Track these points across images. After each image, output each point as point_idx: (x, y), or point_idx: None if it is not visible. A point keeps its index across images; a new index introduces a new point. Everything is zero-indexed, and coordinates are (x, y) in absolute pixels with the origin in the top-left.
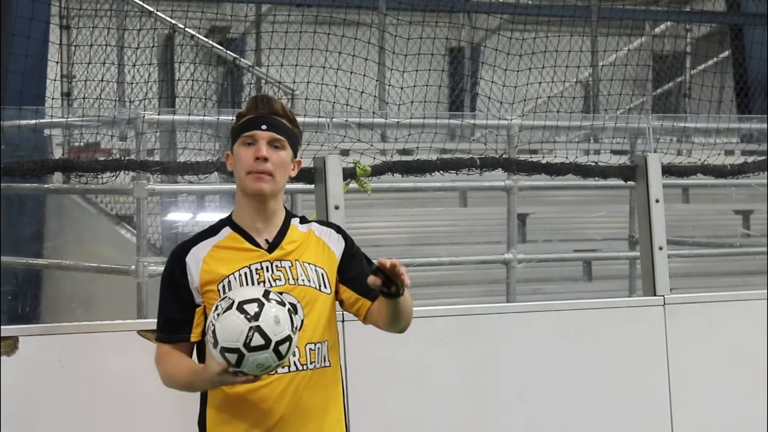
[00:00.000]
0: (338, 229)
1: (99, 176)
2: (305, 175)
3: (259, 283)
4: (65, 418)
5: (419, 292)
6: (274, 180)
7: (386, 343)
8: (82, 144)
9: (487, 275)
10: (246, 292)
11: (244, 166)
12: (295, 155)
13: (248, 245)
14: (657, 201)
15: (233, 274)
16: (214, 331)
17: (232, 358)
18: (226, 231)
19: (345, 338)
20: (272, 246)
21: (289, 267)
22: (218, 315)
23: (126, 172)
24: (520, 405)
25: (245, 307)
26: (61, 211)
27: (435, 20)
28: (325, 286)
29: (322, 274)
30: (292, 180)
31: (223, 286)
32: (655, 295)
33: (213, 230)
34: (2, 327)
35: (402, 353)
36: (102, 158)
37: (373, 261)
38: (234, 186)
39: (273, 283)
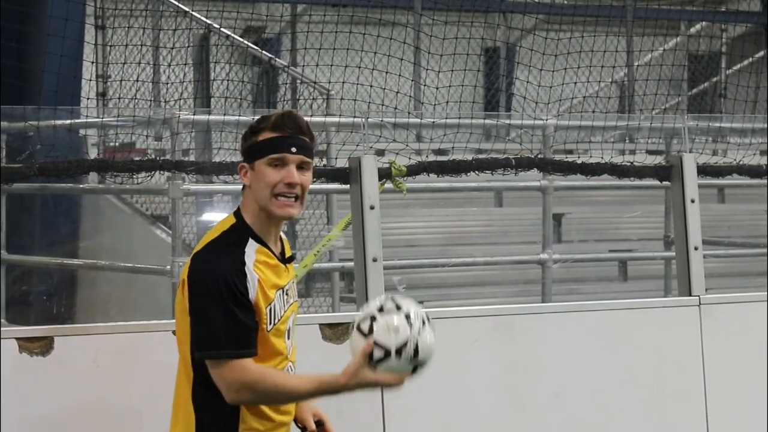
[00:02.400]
0: None
1: (134, 176)
2: (340, 175)
3: (286, 303)
4: (100, 418)
5: (454, 293)
6: (301, 203)
7: None
8: (117, 144)
9: (522, 275)
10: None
11: (273, 188)
12: None
13: (277, 262)
14: (692, 201)
15: (276, 295)
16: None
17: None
18: (253, 245)
19: None
20: (285, 261)
21: (294, 282)
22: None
23: (161, 172)
24: (556, 405)
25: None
26: (96, 211)
27: (470, 20)
28: None
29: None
30: (327, 180)
31: (270, 309)
32: (690, 295)
33: (239, 241)
34: (38, 327)
35: (437, 354)
36: (137, 158)
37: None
38: None
39: (290, 302)
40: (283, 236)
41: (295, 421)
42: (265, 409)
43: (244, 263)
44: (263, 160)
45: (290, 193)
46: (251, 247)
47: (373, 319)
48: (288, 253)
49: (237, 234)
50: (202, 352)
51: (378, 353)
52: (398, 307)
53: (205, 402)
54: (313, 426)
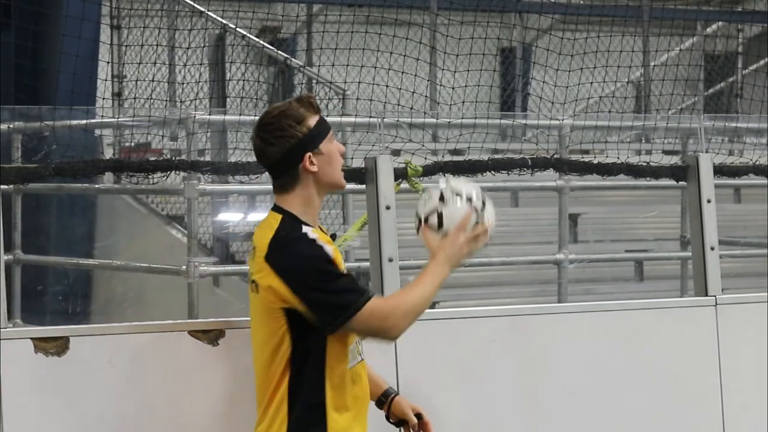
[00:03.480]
0: None
1: (150, 176)
2: (356, 175)
3: None
4: (116, 418)
5: (470, 293)
6: None
7: (437, 344)
8: (132, 144)
9: (538, 275)
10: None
11: (340, 162)
12: None
13: (329, 238)
14: (708, 201)
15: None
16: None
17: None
18: (308, 228)
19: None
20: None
21: None
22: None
23: (177, 172)
24: (572, 405)
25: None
26: (111, 211)
27: (486, 20)
28: None
29: None
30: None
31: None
32: (706, 295)
33: (298, 227)
34: (53, 327)
35: (453, 353)
36: (152, 158)
37: None
38: None
39: None
40: None
41: (387, 417)
42: (346, 393)
43: (314, 238)
44: (326, 140)
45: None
46: (308, 227)
47: (439, 212)
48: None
49: (291, 224)
50: (337, 319)
51: None
52: (458, 194)
53: (299, 395)
54: (414, 420)
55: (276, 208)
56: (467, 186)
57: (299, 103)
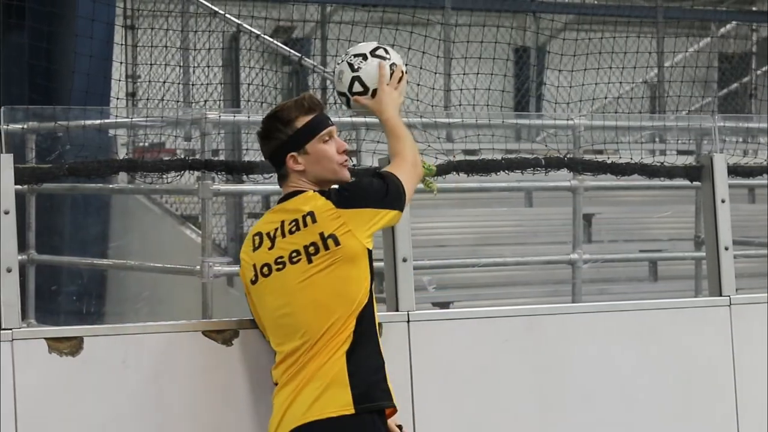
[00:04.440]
0: None
1: (164, 176)
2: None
3: None
4: (130, 418)
5: (484, 293)
6: None
7: (451, 344)
8: (146, 144)
9: (552, 275)
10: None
11: (337, 159)
12: None
13: None
14: (723, 201)
15: None
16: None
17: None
18: None
19: (410, 339)
20: None
21: None
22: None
23: (191, 172)
24: (586, 405)
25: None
26: (125, 211)
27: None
28: None
29: None
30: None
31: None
32: (721, 295)
33: None
34: (67, 327)
35: (467, 354)
36: (167, 158)
37: None
38: None
39: None
40: None
41: None
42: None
43: None
44: (314, 141)
45: (346, 159)
46: None
47: (358, 78)
48: None
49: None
50: (403, 196)
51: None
52: (360, 55)
53: (358, 360)
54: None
55: (294, 191)
56: (363, 46)
57: (294, 103)
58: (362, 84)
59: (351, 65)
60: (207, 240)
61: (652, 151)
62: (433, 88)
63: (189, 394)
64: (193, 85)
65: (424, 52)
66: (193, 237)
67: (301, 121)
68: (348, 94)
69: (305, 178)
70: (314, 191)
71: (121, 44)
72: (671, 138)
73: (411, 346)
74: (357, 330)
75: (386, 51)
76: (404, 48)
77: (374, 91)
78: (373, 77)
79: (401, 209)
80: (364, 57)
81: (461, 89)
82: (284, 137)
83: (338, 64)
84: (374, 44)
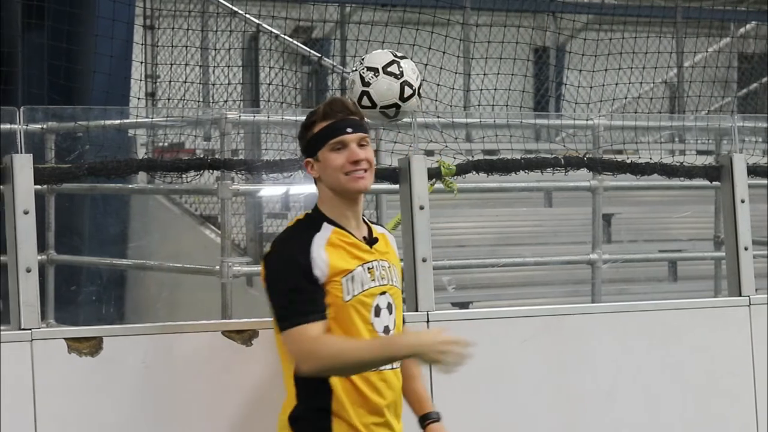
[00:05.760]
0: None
1: (183, 176)
2: (390, 175)
3: (372, 281)
4: (149, 418)
5: (504, 293)
6: (370, 175)
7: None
8: (166, 144)
9: (572, 276)
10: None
11: (342, 169)
12: None
13: (357, 241)
14: (742, 201)
15: (356, 269)
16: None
17: (392, 112)
18: (328, 227)
19: None
20: (370, 243)
21: (388, 267)
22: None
23: (210, 171)
24: (606, 406)
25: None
26: (145, 211)
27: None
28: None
29: (399, 279)
30: (377, 180)
31: (347, 280)
32: (740, 295)
33: (313, 226)
34: (87, 327)
35: (487, 354)
36: (186, 158)
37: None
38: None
39: (381, 282)
40: (374, 225)
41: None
42: (356, 383)
43: (310, 243)
44: (325, 149)
45: (359, 170)
46: (326, 230)
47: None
48: (375, 235)
49: (311, 220)
50: (280, 328)
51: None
52: (373, 69)
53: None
54: None
55: (315, 205)
56: (378, 56)
57: (322, 106)
58: (370, 100)
59: (362, 78)
60: (226, 240)
61: (671, 151)
62: (453, 88)
63: (209, 394)
64: (212, 84)
65: (444, 52)
66: (212, 237)
67: (318, 127)
68: (357, 105)
69: (323, 185)
70: (298, 219)
71: (141, 44)
72: (691, 138)
73: None
74: None
75: (399, 65)
76: (424, 48)
77: (381, 107)
78: (381, 95)
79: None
80: (376, 72)
81: (481, 89)
82: (304, 142)
83: (353, 71)
84: (389, 56)
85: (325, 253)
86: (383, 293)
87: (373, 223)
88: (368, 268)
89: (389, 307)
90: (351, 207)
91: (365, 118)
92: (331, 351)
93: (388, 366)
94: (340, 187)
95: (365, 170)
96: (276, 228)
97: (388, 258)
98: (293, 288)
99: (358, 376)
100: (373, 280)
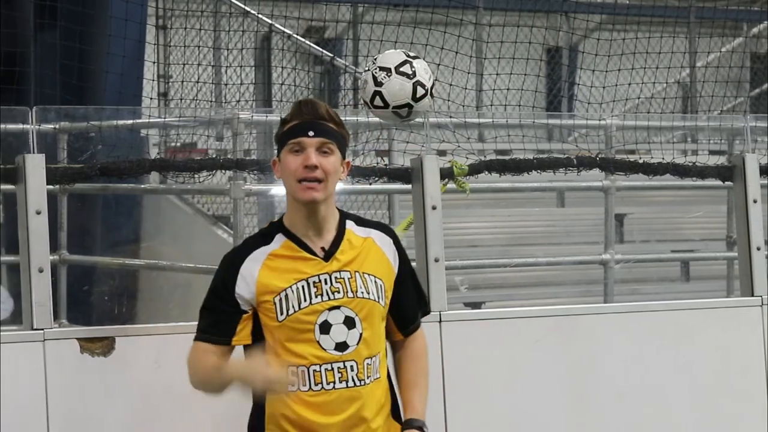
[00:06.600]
0: (395, 240)
1: (195, 176)
2: (402, 175)
3: (317, 296)
4: (162, 418)
5: (516, 293)
6: (325, 186)
7: (483, 344)
8: (178, 144)
9: (584, 276)
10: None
11: (294, 174)
12: (343, 157)
13: (305, 254)
14: (755, 201)
15: (291, 287)
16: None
17: (404, 112)
18: (280, 239)
19: (442, 338)
20: (328, 254)
21: (348, 279)
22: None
23: (222, 171)
24: (619, 406)
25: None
26: (157, 211)
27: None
28: (382, 299)
29: (381, 286)
30: (389, 180)
31: (280, 299)
32: (753, 295)
33: (265, 237)
34: (99, 327)
35: (499, 354)
36: (198, 158)
37: (423, 289)
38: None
39: (332, 296)
40: (360, 228)
41: None
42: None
43: (243, 259)
44: (285, 149)
45: (311, 177)
46: (276, 243)
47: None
48: (350, 242)
49: (270, 231)
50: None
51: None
52: (386, 69)
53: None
54: None
55: None
56: (391, 56)
57: (293, 105)
58: (383, 100)
59: (375, 78)
60: (239, 240)
61: (683, 151)
62: (465, 88)
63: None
64: (225, 84)
65: (456, 52)
66: (224, 237)
67: (288, 125)
68: (369, 104)
69: (286, 190)
70: (264, 227)
71: (154, 44)
72: (703, 138)
73: (443, 346)
74: None
75: (412, 65)
76: (436, 48)
77: (394, 107)
78: (394, 95)
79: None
80: (389, 72)
81: (493, 89)
82: (275, 138)
83: (365, 71)
84: (402, 56)
85: (257, 270)
86: (335, 308)
87: (366, 225)
88: (313, 283)
89: (349, 321)
90: (310, 216)
91: (342, 124)
92: (189, 370)
93: (342, 384)
94: (293, 195)
95: (319, 180)
96: None
97: (357, 267)
98: (205, 305)
99: (290, 394)
100: (320, 295)
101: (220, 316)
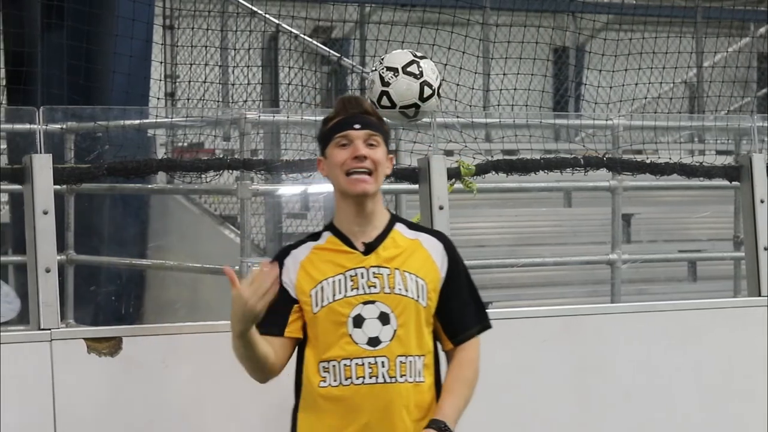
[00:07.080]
0: (447, 246)
1: (202, 176)
2: (409, 175)
3: (352, 290)
4: (169, 418)
5: (523, 293)
6: (375, 178)
7: (490, 344)
8: (185, 144)
9: (591, 276)
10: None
11: (343, 167)
12: (388, 151)
13: (345, 247)
14: (762, 201)
15: (327, 279)
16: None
17: (411, 112)
18: (327, 234)
19: None
20: (368, 248)
21: (388, 275)
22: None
23: (230, 171)
24: (626, 406)
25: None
26: (164, 211)
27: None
28: (423, 299)
29: (423, 286)
30: (396, 180)
31: (316, 291)
32: (760, 295)
33: (316, 235)
34: (106, 327)
35: (506, 354)
36: (205, 158)
37: (476, 286)
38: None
39: (367, 290)
40: (408, 231)
41: None
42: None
43: (288, 252)
44: (332, 144)
45: (361, 168)
46: (322, 239)
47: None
48: (394, 240)
49: (321, 231)
50: None
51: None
52: (393, 69)
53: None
54: None
55: None
56: (398, 56)
57: (337, 102)
58: (390, 100)
59: (382, 78)
60: (246, 240)
61: (691, 151)
62: (473, 88)
63: (228, 394)
64: (232, 84)
65: (463, 52)
66: (231, 237)
67: (332, 122)
68: (377, 104)
69: (334, 189)
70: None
71: (161, 44)
72: (710, 138)
73: None
74: None
75: (419, 65)
76: (443, 48)
77: (401, 107)
78: (401, 95)
79: None
80: (396, 72)
81: (500, 89)
82: (319, 137)
83: (372, 71)
84: (409, 56)
85: (300, 263)
86: (370, 302)
87: (418, 229)
88: (350, 276)
89: (383, 317)
90: (358, 211)
91: (384, 119)
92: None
93: (372, 380)
94: (342, 189)
95: (369, 172)
96: (295, 228)
97: (398, 265)
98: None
99: (320, 389)
100: (355, 288)
101: (274, 307)
